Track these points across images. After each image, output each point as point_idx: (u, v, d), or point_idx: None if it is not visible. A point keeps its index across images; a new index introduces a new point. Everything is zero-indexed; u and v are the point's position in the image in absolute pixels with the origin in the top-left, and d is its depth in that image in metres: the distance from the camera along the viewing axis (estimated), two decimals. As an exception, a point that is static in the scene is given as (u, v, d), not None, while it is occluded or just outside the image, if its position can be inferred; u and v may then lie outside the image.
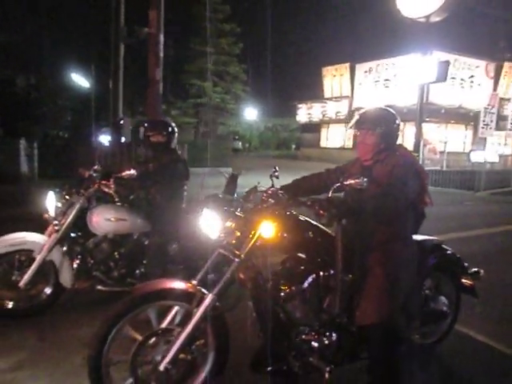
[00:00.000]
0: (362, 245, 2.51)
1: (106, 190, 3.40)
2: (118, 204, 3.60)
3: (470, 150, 21.12)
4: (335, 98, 29.38)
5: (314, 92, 30.85)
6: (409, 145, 24.54)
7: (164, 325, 2.27)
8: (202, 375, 2.34)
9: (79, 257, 3.45)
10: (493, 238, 6.89)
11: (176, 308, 2.32)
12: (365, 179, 2.20)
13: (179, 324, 2.26)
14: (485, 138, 21.68)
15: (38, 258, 3.28)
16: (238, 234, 2.32)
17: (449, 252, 3.07)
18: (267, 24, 30.16)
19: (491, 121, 16.60)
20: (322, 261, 2.50)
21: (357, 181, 2.20)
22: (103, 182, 3.40)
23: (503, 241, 6.71)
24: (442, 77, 14.44)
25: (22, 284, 3.26)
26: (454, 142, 23.60)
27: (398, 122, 2.65)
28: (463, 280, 3.13)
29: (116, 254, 3.58)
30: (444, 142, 21.73)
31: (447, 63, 14.78)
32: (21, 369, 2.68)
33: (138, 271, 3.62)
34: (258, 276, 2.37)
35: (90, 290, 3.51)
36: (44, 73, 16.44)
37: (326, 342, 2.47)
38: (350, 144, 29.63)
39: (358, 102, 27.48)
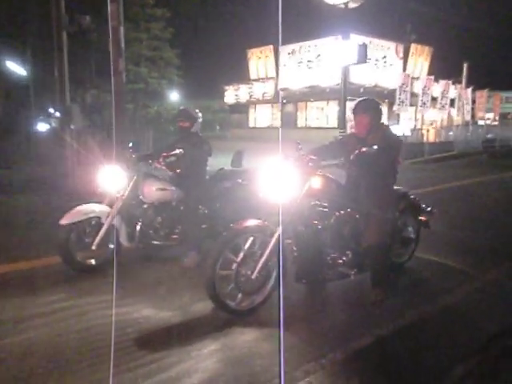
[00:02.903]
0: (366, 193, 3.71)
1: (158, 166, 4.31)
2: (160, 178, 4.52)
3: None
4: (261, 79, 30.62)
5: (240, 74, 31.83)
6: (332, 122, 26.31)
7: (249, 250, 3.31)
8: (269, 286, 3.43)
9: (136, 221, 4.33)
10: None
11: (251, 238, 3.35)
12: (374, 147, 3.39)
13: (259, 249, 3.32)
14: (398, 114, 24.23)
15: (106, 223, 4.10)
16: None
17: (412, 197, 4.38)
18: (193, 8, 30.54)
19: (406, 98, 18.80)
20: (341, 205, 3.67)
21: (368, 149, 3.38)
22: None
23: (437, 197, 8.38)
24: (363, 58, 16.12)
25: (94, 245, 4.08)
26: (372, 118, 25.86)
27: (381, 107, 3.89)
28: (421, 217, 4.47)
29: (159, 217, 4.50)
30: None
31: (365, 46, 16.49)
32: (123, 299, 3.56)
33: (177, 230, 4.57)
34: (302, 215, 3.49)
35: (143, 246, 4.39)
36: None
37: (345, 258, 3.67)
38: (277, 123, 31.23)
39: (284, 83, 28.96)
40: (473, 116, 27.54)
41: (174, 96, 31.07)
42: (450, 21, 30.26)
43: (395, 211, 4.01)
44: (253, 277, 3.21)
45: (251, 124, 32.80)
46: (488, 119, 30.02)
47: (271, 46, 29.57)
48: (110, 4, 9.35)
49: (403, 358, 2.82)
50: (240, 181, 4.98)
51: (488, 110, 30.46)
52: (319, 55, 25.91)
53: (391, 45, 27.61)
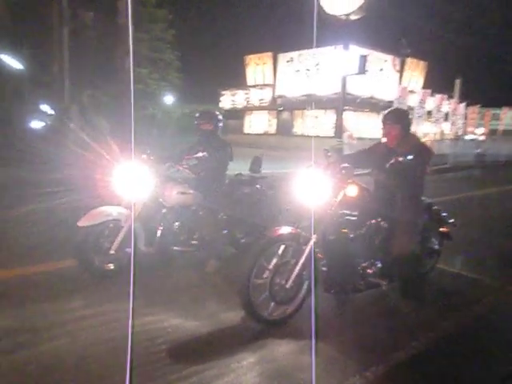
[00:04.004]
0: (400, 202, 3.64)
1: (181, 169, 4.20)
2: (180, 181, 4.39)
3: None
4: (258, 85, 30.63)
5: (237, 79, 31.79)
6: (329, 131, 26.32)
7: (282, 258, 3.21)
8: (301, 295, 3.33)
9: (155, 225, 4.20)
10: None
11: (283, 246, 3.25)
12: (408, 157, 3.34)
13: (292, 257, 3.22)
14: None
15: (125, 227, 3.95)
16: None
17: (436, 208, 4.33)
18: (193, 12, 30.52)
19: (403, 110, 18.86)
20: (372, 214, 3.60)
21: (404, 158, 3.33)
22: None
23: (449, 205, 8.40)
24: (362, 69, 16.21)
25: (113, 249, 3.93)
26: (367, 129, 25.97)
27: (410, 117, 3.85)
28: (444, 228, 4.42)
29: (179, 222, 4.36)
30: (357, 129, 23.89)
31: (366, 57, 16.56)
32: (147, 306, 3.40)
33: (195, 235, 4.45)
34: (333, 223, 3.40)
35: (162, 251, 4.25)
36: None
37: (374, 269, 3.60)
38: (272, 130, 31.24)
39: (281, 90, 29.07)
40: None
41: (168, 99, 30.87)
42: (446, 37, 30.63)
43: (423, 221, 3.96)
44: (287, 286, 3.12)
45: (246, 130, 32.71)
46: (475, 134, 30.56)
47: (270, 53, 29.64)
48: (118, 1, 9.29)
49: (445, 371, 2.74)
50: (259, 186, 4.91)
51: (478, 126, 31.05)
52: (318, 64, 26.01)
53: (388, 57, 27.87)
